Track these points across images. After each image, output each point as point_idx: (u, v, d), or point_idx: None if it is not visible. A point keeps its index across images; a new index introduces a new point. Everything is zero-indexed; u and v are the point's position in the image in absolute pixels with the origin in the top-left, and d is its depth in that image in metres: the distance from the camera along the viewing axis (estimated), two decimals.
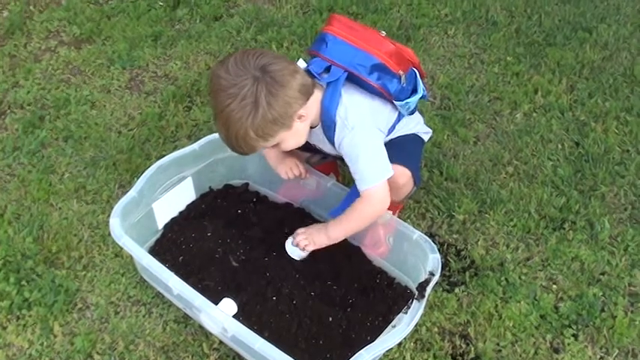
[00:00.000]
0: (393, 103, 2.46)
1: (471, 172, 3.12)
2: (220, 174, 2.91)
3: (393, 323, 2.41)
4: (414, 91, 2.52)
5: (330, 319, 2.41)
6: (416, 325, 2.43)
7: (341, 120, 2.33)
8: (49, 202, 2.97)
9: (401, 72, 2.41)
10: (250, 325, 2.21)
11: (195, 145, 2.77)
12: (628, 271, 2.74)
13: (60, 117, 3.42)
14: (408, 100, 2.48)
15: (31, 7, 4.22)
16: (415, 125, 2.69)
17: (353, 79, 2.37)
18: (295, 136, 2.32)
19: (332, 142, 2.40)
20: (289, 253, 2.57)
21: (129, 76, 3.69)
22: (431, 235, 2.83)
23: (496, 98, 3.54)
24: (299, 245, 2.53)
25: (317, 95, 2.33)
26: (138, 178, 2.62)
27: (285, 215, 2.80)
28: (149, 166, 2.67)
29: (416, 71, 2.53)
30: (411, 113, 2.61)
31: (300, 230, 2.55)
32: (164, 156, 2.73)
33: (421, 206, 2.96)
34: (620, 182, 3.09)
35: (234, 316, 2.26)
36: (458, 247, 2.81)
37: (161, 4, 4.22)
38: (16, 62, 3.80)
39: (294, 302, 2.44)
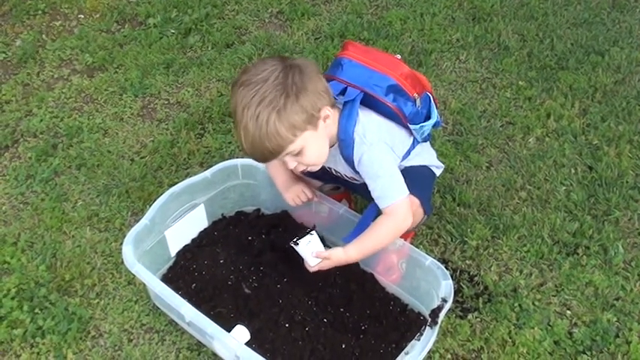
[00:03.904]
0: (407, 127, 2.46)
1: (483, 198, 3.11)
2: (232, 201, 2.91)
3: (405, 350, 2.40)
4: (428, 117, 2.53)
5: (343, 345, 2.40)
6: (429, 352, 2.42)
7: (359, 137, 2.32)
8: (62, 230, 2.98)
9: (416, 95, 2.41)
10: (263, 353, 2.21)
11: (207, 173, 2.78)
12: None
13: (73, 145, 3.43)
14: (422, 124, 2.48)
15: (44, 36, 4.25)
16: (429, 157, 2.69)
17: (368, 102, 2.37)
18: (319, 141, 2.28)
19: (350, 160, 2.38)
20: (303, 255, 2.45)
21: (141, 104, 3.71)
22: (444, 261, 2.82)
23: (508, 123, 3.54)
24: (321, 268, 2.44)
25: (335, 114, 2.32)
26: (150, 206, 2.63)
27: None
28: (161, 194, 2.68)
29: (430, 96, 2.53)
30: (425, 140, 2.60)
31: (326, 261, 2.42)
32: (176, 183, 2.74)
33: (434, 232, 2.95)
34: (634, 206, 3.07)
35: (246, 344, 2.25)
36: (471, 273, 2.80)
37: (173, 31, 4.25)
38: (29, 91, 3.82)
39: (307, 329, 2.43)
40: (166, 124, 3.56)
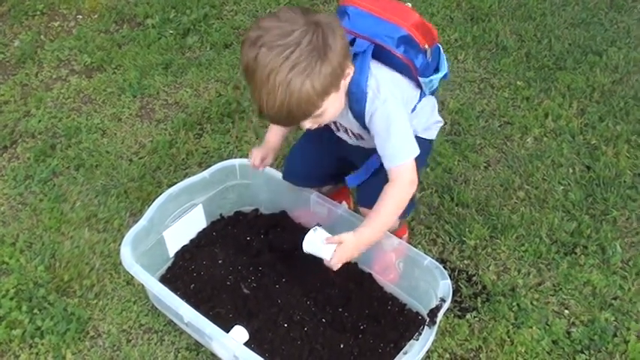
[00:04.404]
0: (417, 80, 2.35)
1: (481, 198, 3.11)
2: (231, 201, 2.92)
3: (404, 350, 2.40)
4: (437, 69, 2.42)
5: (342, 345, 2.41)
6: (427, 352, 2.43)
7: (372, 91, 2.19)
8: (61, 231, 2.98)
9: (426, 46, 2.29)
10: (262, 353, 2.21)
11: (206, 173, 2.78)
12: None
13: (71, 145, 3.44)
14: (432, 77, 2.37)
15: (42, 37, 4.26)
16: (431, 112, 2.54)
17: (378, 54, 2.23)
18: (339, 100, 2.15)
19: (360, 115, 2.25)
20: (310, 251, 2.32)
21: (140, 104, 3.71)
22: (442, 261, 2.83)
23: (506, 123, 3.54)
24: (335, 268, 2.28)
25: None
26: (149, 206, 2.63)
27: (295, 241, 2.80)
28: (160, 194, 2.68)
29: (440, 47, 2.42)
30: (432, 93, 2.49)
31: (334, 253, 2.25)
32: (175, 184, 2.74)
33: (432, 232, 2.96)
34: (632, 206, 3.08)
35: (245, 344, 2.25)
36: (469, 273, 2.81)
37: (171, 32, 4.25)
38: (28, 91, 3.83)
39: (306, 329, 2.44)
40: (165, 125, 3.56)
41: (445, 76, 2.44)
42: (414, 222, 2.97)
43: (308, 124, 2.15)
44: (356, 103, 2.22)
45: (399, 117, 2.22)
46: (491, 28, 4.24)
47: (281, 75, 1.93)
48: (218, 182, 2.83)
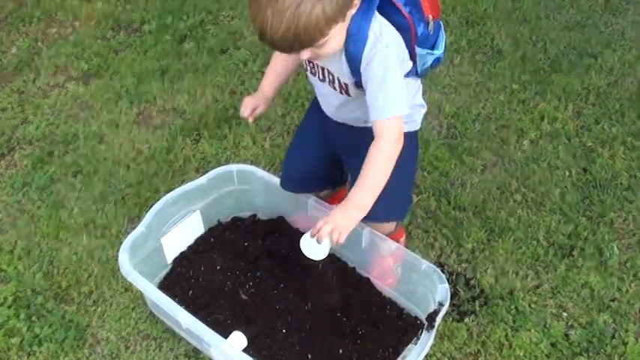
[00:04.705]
0: (412, 48, 2.23)
1: (478, 201, 3.12)
2: (228, 207, 2.92)
3: (403, 354, 2.41)
4: (433, 47, 2.32)
5: (341, 351, 2.41)
6: (426, 356, 2.43)
7: (375, 35, 2.07)
8: (59, 238, 2.99)
9: (430, 17, 2.20)
10: (261, 359, 2.22)
11: (203, 179, 2.78)
12: (638, 296, 2.73)
13: (69, 152, 3.44)
14: (429, 51, 2.28)
15: (39, 43, 4.27)
16: (416, 92, 2.41)
17: (382, 7, 2.12)
18: (342, 32, 2.03)
19: (357, 58, 2.11)
20: (307, 254, 2.21)
21: (137, 111, 3.71)
22: (440, 265, 2.83)
23: (503, 126, 3.55)
24: (321, 238, 2.11)
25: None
26: (147, 213, 2.63)
27: (293, 246, 2.80)
28: (157, 201, 2.68)
29: (442, 25, 2.34)
30: (421, 75, 2.38)
31: (320, 221, 2.13)
32: (172, 190, 2.74)
33: (429, 236, 2.96)
34: (629, 208, 3.09)
35: (244, 350, 2.26)
36: (467, 277, 2.81)
37: (168, 38, 4.26)
38: (25, 98, 3.83)
39: (304, 334, 2.44)
40: (162, 131, 3.57)
41: (439, 59, 2.36)
42: (411, 226, 2.98)
43: (307, 54, 2.02)
44: (354, 44, 2.10)
45: (397, 68, 2.13)
46: (486, 32, 4.24)
47: None
48: (215, 188, 2.83)
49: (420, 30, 2.19)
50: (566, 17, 4.39)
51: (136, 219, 3.03)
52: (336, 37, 1.99)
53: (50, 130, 3.59)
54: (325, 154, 2.62)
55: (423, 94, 2.47)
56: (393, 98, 2.10)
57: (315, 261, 2.21)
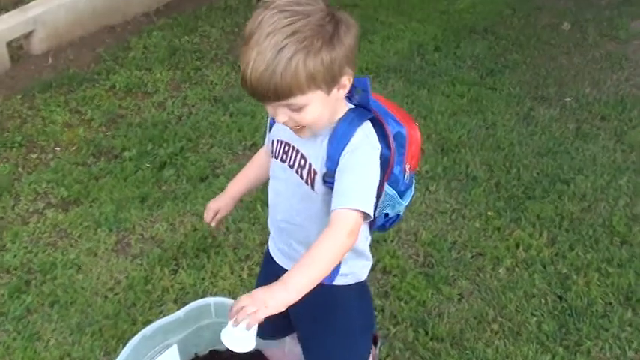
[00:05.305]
0: (382, 184, 2.14)
1: (456, 331, 3.13)
2: (206, 339, 2.90)
3: None
4: (401, 196, 2.25)
5: None
6: None
7: (364, 133, 2.02)
8: None
9: (409, 166, 2.18)
10: None
11: (180, 313, 2.77)
12: None
13: (46, 281, 3.43)
14: (394, 195, 2.20)
15: (20, 169, 4.30)
16: (365, 239, 2.30)
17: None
18: (324, 106, 1.95)
19: (340, 145, 2.02)
20: (228, 345, 1.90)
21: (115, 239, 3.73)
22: None
23: (478, 254, 3.60)
24: (238, 320, 1.83)
25: (344, 105, 2.07)
26: (124, 346, 2.61)
27: None
28: (135, 333, 2.66)
29: (414, 182, 2.30)
30: (374, 225, 2.28)
31: (242, 297, 1.88)
32: (150, 321, 2.74)
33: None
34: (605, 335, 3.11)
35: None
36: None
37: (148, 165, 4.31)
38: (4, 225, 3.84)
39: None
40: (140, 260, 3.57)
41: (398, 216, 2.31)
42: (389, 358, 2.98)
43: (282, 117, 1.95)
44: (341, 136, 2.03)
45: (375, 171, 2.02)
46: (461, 159, 4.34)
47: (278, 37, 1.82)
48: (193, 321, 2.83)
49: (397, 170, 2.14)
50: (539, 144, 4.50)
51: (112, 352, 3.01)
52: (316, 107, 1.92)
53: (28, 259, 3.59)
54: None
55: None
56: (362, 193, 1.98)
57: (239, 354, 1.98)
